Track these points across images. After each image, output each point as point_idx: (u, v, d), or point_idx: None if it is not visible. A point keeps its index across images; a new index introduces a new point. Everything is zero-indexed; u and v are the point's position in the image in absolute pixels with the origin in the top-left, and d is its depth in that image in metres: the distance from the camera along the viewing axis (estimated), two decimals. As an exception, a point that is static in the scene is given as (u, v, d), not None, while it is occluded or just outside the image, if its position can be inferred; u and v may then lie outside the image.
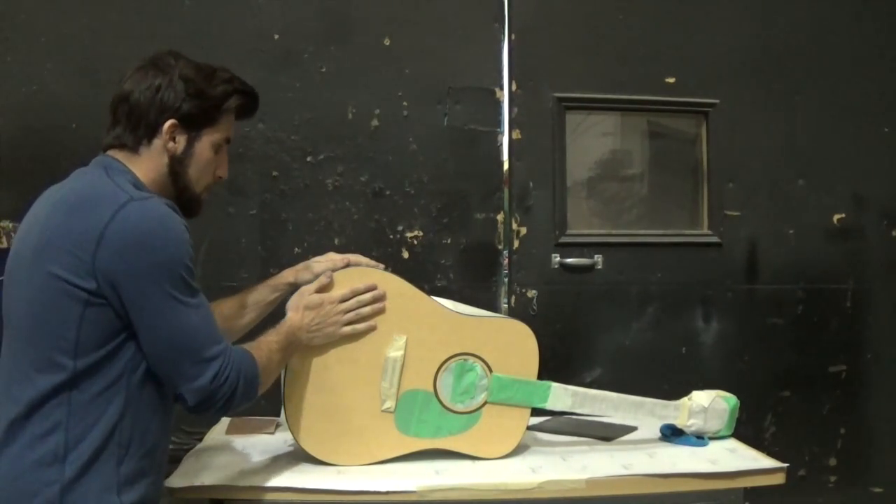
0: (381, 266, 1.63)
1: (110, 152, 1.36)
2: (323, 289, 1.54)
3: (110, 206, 1.22)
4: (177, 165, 1.36)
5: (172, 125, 1.34)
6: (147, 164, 1.35)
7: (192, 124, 1.37)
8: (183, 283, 1.25)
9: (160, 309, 1.23)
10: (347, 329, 1.53)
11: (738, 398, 1.77)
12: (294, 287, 1.63)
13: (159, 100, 1.34)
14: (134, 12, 2.48)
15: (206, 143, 1.39)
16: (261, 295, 1.66)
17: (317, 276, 1.59)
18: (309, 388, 1.52)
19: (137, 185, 1.31)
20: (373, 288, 1.55)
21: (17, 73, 2.46)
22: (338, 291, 1.53)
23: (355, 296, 1.54)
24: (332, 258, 1.64)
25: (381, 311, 1.55)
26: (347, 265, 1.60)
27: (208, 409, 1.28)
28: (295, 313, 1.51)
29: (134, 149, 1.35)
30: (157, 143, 1.35)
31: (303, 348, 1.52)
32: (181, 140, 1.36)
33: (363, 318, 1.54)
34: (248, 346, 1.39)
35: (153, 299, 1.22)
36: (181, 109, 1.35)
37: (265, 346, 1.41)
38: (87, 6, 2.48)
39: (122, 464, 1.23)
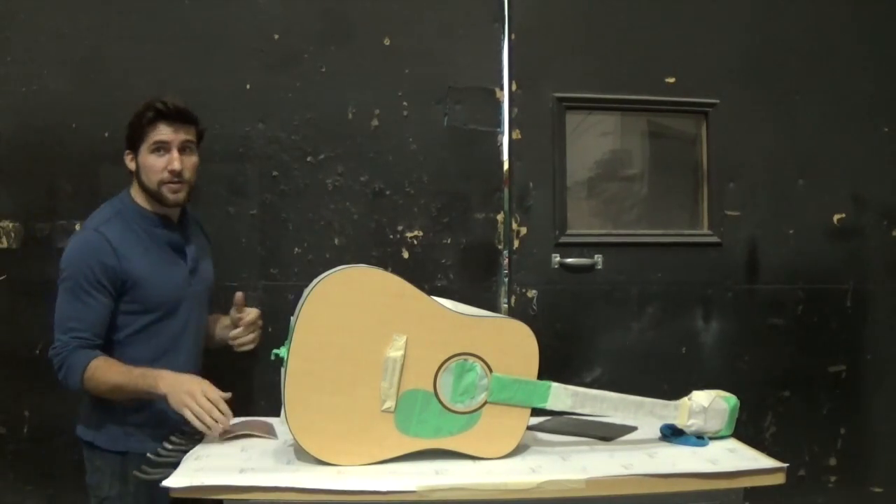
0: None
1: None
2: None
3: None
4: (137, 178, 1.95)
5: (126, 153, 1.97)
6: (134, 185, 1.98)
7: (132, 145, 1.94)
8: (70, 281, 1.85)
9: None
10: (186, 411, 1.71)
11: (738, 398, 1.77)
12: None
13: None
14: (134, 12, 2.49)
15: (144, 153, 1.91)
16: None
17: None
18: (309, 388, 1.52)
19: (121, 204, 1.97)
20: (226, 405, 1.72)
21: (17, 73, 2.46)
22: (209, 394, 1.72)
23: (212, 406, 1.71)
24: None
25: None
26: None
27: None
28: (176, 378, 1.76)
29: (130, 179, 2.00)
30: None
31: (303, 348, 1.52)
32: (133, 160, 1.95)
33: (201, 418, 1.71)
34: (103, 359, 1.81)
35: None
36: (126, 139, 1.95)
37: (117, 368, 1.80)
38: (87, 6, 2.48)
39: None
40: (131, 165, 1.95)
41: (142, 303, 1.89)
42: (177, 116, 1.92)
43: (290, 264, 2.49)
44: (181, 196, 1.93)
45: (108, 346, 1.87)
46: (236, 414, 1.93)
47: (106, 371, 1.80)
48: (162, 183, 1.90)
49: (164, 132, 1.90)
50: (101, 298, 1.84)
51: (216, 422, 1.69)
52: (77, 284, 1.82)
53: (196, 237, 2.08)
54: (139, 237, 1.91)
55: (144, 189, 1.93)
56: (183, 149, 1.93)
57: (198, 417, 1.69)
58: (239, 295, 2.01)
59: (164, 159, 1.90)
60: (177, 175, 1.90)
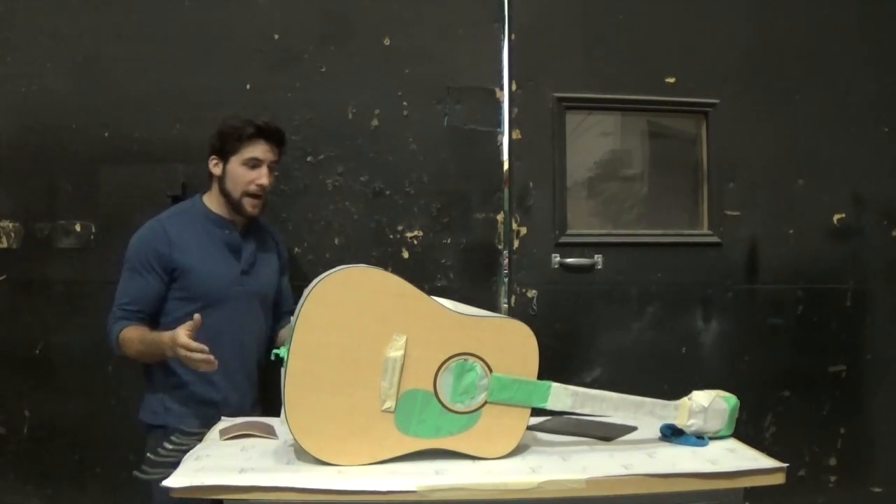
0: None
1: None
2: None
3: None
4: (219, 183, 2.10)
5: (212, 158, 2.10)
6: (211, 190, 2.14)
7: (221, 153, 2.08)
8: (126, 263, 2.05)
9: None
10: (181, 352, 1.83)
11: (738, 398, 1.77)
12: None
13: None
14: (134, 12, 2.49)
15: (235, 163, 2.07)
16: None
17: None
18: (309, 388, 1.52)
19: (190, 205, 2.14)
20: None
21: (17, 73, 2.46)
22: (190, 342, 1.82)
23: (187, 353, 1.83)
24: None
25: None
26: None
27: None
28: (171, 334, 1.86)
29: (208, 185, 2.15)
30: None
31: (303, 348, 1.52)
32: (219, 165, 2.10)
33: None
34: (132, 328, 1.98)
35: None
36: (214, 146, 2.09)
37: (139, 334, 1.97)
38: (87, 6, 2.48)
39: None
40: (215, 170, 2.09)
41: (188, 290, 2.03)
42: (275, 137, 2.11)
43: (290, 264, 2.49)
44: (258, 209, 2.11)
45: (157, 328, 2.02)
46: (235, 414, 1.93)
47: (130, 337, 1.98)
48: (246, 194, 2.07)
49: (261, 150, 2.07)
50: (149, 279, 2.01)
51: (204, 362, 1.81)
52: (132, 266, 2.03)
53: (261, 245, 2.18)
54: (198, 233, 2.07)
55: (225, 195, 2.08)
56: (270, 167, 2.11)
57: (192, 367, 1.85)
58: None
59: (254, 173, 2.07)
60: (262, 190, 2.08)
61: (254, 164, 2.07)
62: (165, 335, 1.88)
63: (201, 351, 1.80)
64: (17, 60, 2.46)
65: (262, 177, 2.07)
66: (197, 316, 1.83)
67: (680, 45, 2.69)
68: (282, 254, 2.29)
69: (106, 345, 2.05)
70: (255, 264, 2.13)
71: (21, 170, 2.48)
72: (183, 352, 1.81)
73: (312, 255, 2.52)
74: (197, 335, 1.94)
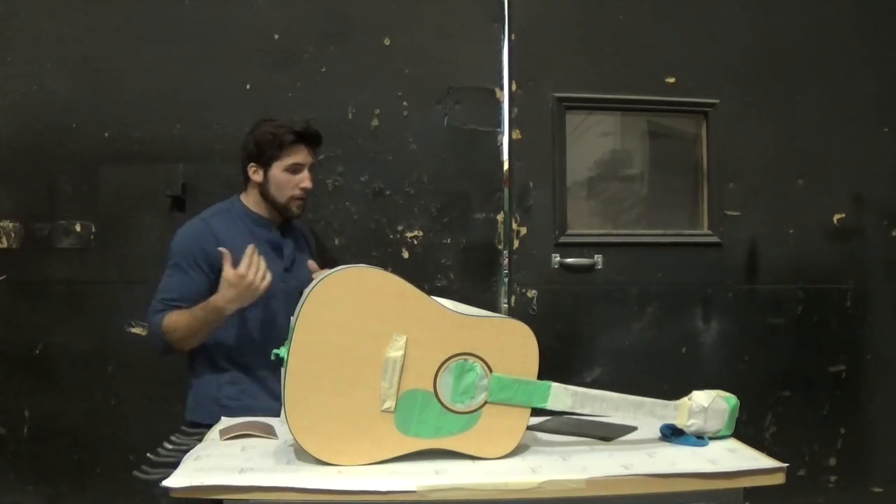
0: None
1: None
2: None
3: None
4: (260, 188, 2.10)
5: (251, 166, 2.09)
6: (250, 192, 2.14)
7: (261, 160, 2.08)
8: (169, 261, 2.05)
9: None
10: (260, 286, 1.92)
11: (738, 398, 1.77)
12: None
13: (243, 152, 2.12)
14: (134, 12, 2.49)
15: (277, 170, 2.07)
16: None
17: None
18: (309, 388, 1.52)
19: (230, 204, 2.13)
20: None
21: (17, 73, 2.46)
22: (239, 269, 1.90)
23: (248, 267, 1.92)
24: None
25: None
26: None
27: None
28: (219, 293, 1.94)
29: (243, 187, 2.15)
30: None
31: (303, 348, 1.52)
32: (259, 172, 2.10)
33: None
34: (175, 312, 1.97)
35: None
36: (251, 153, 2.09)
37: (185, 313, 1.97)
38: (87, 6, 2.48)
39: None
40: (255, 177, 2.10)
41: None
42: (314, 141, 2.12)
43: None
44: (302, 210, 2.14)
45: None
46: (234, 414, 1.93)
47: (178, 318, 1.98)
48: (293, 199, 2.10)
49: (301, 155, 2.09)
50: (194, 276, 2.01)
51: (261, 278, 1.91)
52: (176, 263, 2.03)
53: (296, 241, 2.20)
54: (241, 232, 2.07)
55: (270, 201, 2.10)
56: (310, 169, 2.13)
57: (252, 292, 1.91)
58: (312, 263, 2.11)
59: (297, 178, 2.09)
60: (306, 192, 2.11)
61: (296, 169, 2.09)
62: (215, 296, 1.93)
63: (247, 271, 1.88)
64: (17, 60, 2.46)
65: (305, 180, 2.10)
66: (251, 246, 1.91)
67: (680, 45, 2.69)
68: (312, 248, 2.32)
69: (149, 340, 2.09)
70: (295, 261, 2.16)
71: (21, 170, 2.48)
72: (238, 279, 1.87)
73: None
74: (241, 333, 2.04)
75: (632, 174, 2.86)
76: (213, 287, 1.99)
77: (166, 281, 2.05)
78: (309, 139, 2.10)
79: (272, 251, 2.10)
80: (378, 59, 2.56)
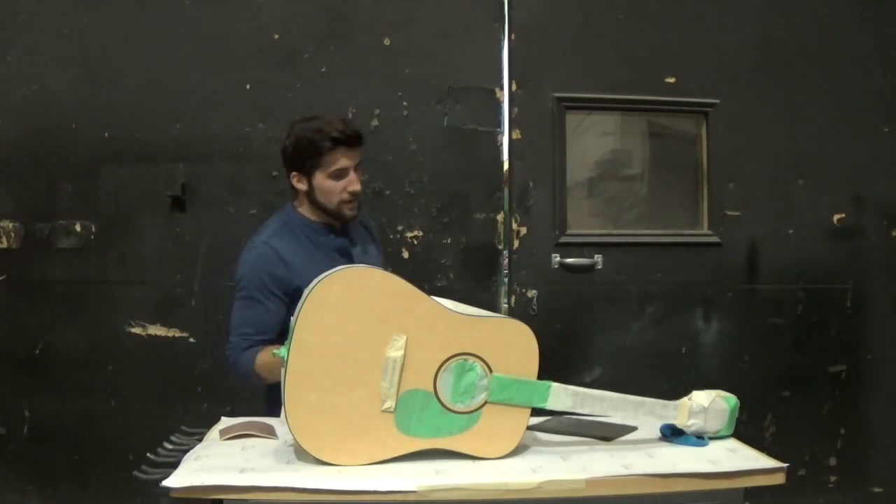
0: None
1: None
2: None
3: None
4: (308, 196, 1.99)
5: (293, 174, 1.98)
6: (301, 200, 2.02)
7: (302, 168, 1.95)
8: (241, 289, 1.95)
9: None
10: None
11: (738, 398, 1.77)
12: None
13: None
14: (134, 12, 2.49)
15: (321, 177, 1.95)
16: None
17: None
18: (309, 388, 1.52)
19: (286, 216, 2.02)
20: None
21: (17, 73, 2.46)
22: None
23: None
24: None
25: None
26: None
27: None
28: None
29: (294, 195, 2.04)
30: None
31: (303, 348, 1.52)
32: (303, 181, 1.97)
33: None
34: (264, 349, 1.88)
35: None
36: (291, 161, 1.96)
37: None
38: (87, 6, 2.48)
39: None
40: (300, 186, 1.98)
41: None
42: (354, 141, 1.97)
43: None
44: (356, 211, 2.02)
45: None
46: (237, 414, 1.93)
47: (273, 364, 1.83)
48: (342, 203, 1.98)
49: (344, 159, 1.95)
50: (270, 305, 1.93)
51: None
52: (249, 294, 1.93)
53: (360, 238, 2.11)
54: (305, 246, 1.99)
55: (321, 208, 1.99)
56: (356, 169, 1.99)
57: None
58: None
59: (343, 182, 1.95)
60: (356, 195, 1.98)
61: (340, 174, 1.95)
62: None
63: None
64: (17, 60, 2.46)
65: (353, 183, 1.97)
66: None
67: (680, 45, 2.69)
68: (375, 236, 2.22)
69: (236, 378, 2.00)
70: (364, 261, 2.07)
71: (21, 170, 2.48)
72: None
73: (312, 255, 2.52)
74: None
75: (632, 174, 2.86)
76: (290, 311, 1.84)
77: (240, 314, 1.95)
78: (349, 142, 1.96)
79: (340, 257, 2.02)
80: (378, 59, 2.56)
